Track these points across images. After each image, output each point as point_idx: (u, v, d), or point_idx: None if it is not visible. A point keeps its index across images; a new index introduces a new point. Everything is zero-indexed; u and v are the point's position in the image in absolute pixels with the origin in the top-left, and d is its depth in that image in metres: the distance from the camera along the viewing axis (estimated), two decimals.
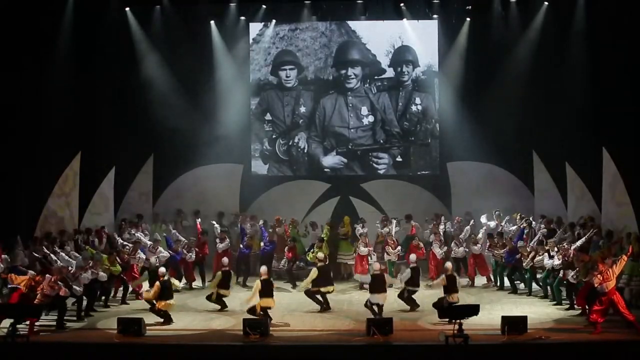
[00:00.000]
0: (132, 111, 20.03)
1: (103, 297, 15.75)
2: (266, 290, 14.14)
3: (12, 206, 17.09)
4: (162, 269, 14.93)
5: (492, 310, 14.63)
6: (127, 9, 20.12)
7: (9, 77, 17.32)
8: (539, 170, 20.43)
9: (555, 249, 15.47)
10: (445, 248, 17.93)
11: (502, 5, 20.07)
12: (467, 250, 17.77)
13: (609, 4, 18.03)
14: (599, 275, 12.98)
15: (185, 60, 20.32)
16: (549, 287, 15.73)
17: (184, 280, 17.54)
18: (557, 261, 15.22)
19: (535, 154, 20.39)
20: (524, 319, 12.92)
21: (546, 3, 19.74)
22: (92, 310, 15.00)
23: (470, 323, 12.58)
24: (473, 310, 12.69)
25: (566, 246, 15.45)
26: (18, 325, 12.57)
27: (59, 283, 13.70)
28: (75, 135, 18.72)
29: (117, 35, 19.68)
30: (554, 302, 15.35)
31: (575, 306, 14.63)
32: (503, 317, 12.94)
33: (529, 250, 16.31)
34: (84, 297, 14.73)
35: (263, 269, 14.70)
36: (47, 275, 13.76)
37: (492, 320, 13.45)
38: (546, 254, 15.63)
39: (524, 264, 16.18)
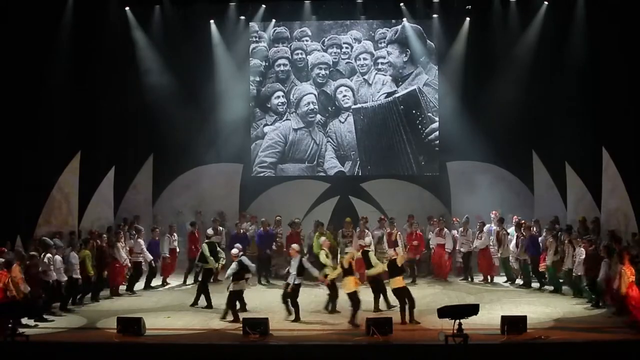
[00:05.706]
0: (132, 111, 20.04)
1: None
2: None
3: (12, 206, 17.07)
4: (235, 250, 14.56)
5: (492, 309, 14.63)
6: (127, 8, 20.17)
7: (9, 77, 17.33)
8: (539, 170, 20.40)
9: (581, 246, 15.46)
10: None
11: (502, 5, 20.09)
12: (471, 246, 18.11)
13: (608, 3, 18.06)
14: (619, 277, 13.15)
15: (185, 59, 20.37)
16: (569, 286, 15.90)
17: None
18: (578, 258, 15.28)
19: (535, 154, 20.37)
20: (523, 318, 12.91)
21: (546, 3, 19.77)
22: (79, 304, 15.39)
23: (469, 323, 12.57)
24: (473, 309, 12.69)
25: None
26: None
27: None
28: (75, 135, 18.72)
29: (117, 35, 19.69)
30: (587, 300, 15.30)
31: (604, 303, 14.66)
32: (503, 317, 12.93)
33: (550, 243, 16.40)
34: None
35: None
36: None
37: (492, 320, 13.44)
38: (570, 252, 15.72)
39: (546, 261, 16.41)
